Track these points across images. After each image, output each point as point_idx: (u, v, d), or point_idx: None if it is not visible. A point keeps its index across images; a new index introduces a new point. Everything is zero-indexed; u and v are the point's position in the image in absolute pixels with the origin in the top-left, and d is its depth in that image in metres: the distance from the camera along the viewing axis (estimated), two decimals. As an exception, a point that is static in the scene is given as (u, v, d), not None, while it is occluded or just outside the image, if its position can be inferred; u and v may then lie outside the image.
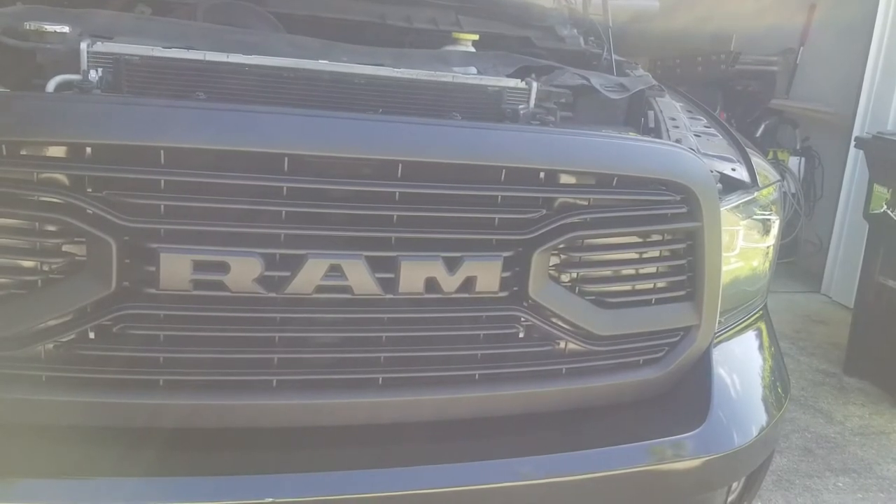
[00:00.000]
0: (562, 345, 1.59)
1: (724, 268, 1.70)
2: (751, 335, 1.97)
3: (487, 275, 1.45)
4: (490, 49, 2.20)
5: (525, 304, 1.52)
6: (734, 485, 1.78)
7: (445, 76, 1.81)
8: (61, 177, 1.28)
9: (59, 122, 1.27)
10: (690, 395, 1.71)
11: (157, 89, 1.60)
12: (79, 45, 1.56)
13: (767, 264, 1.99)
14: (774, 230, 1.97)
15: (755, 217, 1.89)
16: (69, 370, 1.33)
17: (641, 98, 2.09)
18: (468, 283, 1.44)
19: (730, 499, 1.79)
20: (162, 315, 1.35)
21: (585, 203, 1.54)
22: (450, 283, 1.42)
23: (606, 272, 1.63)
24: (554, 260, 1.55)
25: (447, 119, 1.66)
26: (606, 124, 2.02)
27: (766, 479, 2.08)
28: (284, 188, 1.34)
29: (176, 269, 1.30)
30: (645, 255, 1.64)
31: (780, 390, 1.93)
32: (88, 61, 1.56)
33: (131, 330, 1.33)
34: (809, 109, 5.86)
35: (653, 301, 1.66)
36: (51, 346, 1.32)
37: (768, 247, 1.97)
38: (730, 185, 1.83)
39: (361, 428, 1.48)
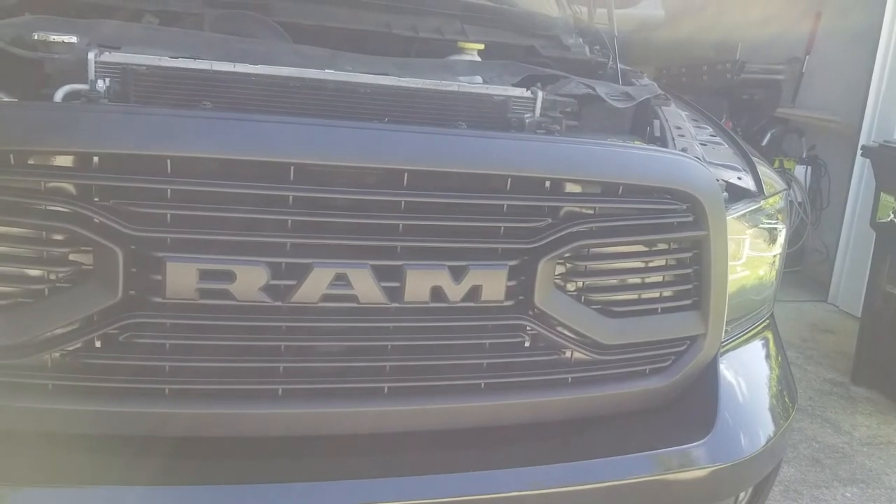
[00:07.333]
0: (567, 354, 1.58)
1: (731, 277, 1.70)
2: (758, 344, 1.97)
3: (493, 284, 1.45)
4: (495, 58, 2.21)
5: (531, 312, 1.51)
6: (741, 495, 1.77)
7: (451, 85, 1.81)
8: (68, 186, 1.29)
9: (67, 132, 1.27)
10: (697, 405, 1.70)
11: (164, 99, 1.60)
12: (86, 55, 1.57)
13: (774, 273, 1.98)
14: (781, 239, 1.96)
15: (761, 226, 1.89)
16: (75, 379, 1.33)
17: (647, 107, 2.09)
18: (474, 292, 1.44)
19: (737, 509, 1.78)
20: (168, 324, 1.35)
21: (591, 212, 1.54)
22: (455, 291, 1.42)
23: (612, 281, 1.63)
24: (559, 269, 1.55)
25: (453, 128, 1.66)
26: (612, 133, 2.02)
27: (774, 489, 2.07)
28: (290, 197, 1.34)
29: (182, 277, 1.30)
30: (651, 264, 1.64)
31: (787, 399, 1.93)
32: (96, 71, 1.57)
33: (137, 339, 1.33)
34: (815, 118, 5.85)
35: (659, 310, 1.66)
36: (57, 354, 1.33)
37: (775, 255, 1.96)
38: (736, 194, 1.83)
39: (367, 437, 1.48)
